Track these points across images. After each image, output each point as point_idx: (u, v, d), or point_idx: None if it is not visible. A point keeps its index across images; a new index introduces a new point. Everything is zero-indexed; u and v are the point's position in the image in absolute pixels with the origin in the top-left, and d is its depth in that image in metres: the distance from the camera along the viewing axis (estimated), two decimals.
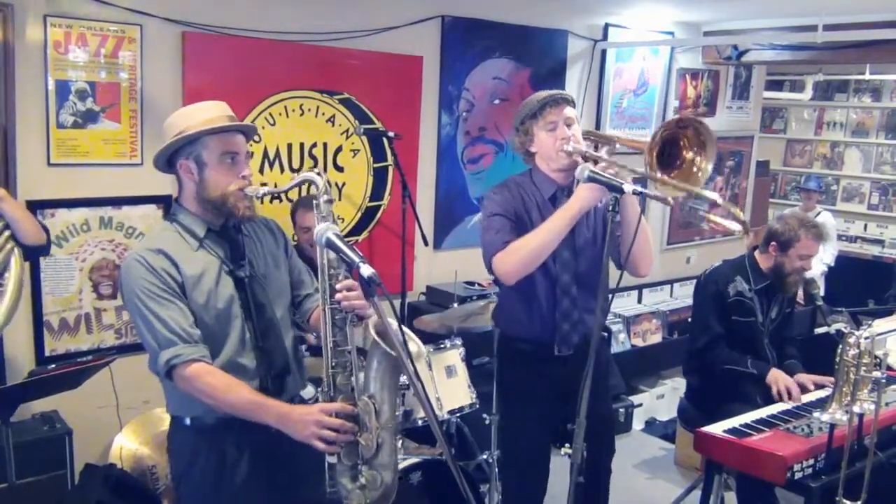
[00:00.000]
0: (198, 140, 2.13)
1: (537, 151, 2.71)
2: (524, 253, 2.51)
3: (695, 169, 2.35)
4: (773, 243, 3.58)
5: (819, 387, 3.44)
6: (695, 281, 3.96)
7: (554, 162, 2.67)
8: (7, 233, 2.57)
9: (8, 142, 3.25)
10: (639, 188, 2.21)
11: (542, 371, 2.74)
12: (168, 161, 2.20)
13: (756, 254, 3.68)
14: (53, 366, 3.28)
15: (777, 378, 3.44)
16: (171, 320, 2.06)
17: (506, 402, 3.08)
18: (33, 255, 2.74)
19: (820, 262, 6.47)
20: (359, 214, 4.39)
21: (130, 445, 3.55)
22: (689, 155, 2.37)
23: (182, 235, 2.17)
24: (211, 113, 2.16)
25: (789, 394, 3.37)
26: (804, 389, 3.46)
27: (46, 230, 2.75)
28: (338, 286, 2.06)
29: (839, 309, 4.42)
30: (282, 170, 4.04)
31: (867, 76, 7.88)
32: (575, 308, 2.72)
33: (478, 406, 3.54)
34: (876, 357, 2.77)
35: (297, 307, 2.39)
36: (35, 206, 3.36)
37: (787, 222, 3.57)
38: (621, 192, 2.22)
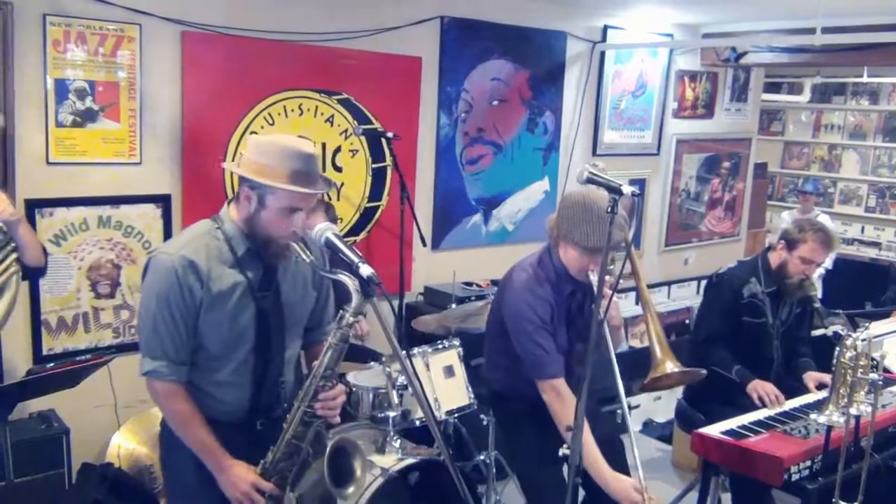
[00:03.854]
0: (270, 185, 2.08)
1: (562, 255, 2.81)
2: (556, 416, 2.71)
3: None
4: (782, 241, 3.61)
5: (825, 386, 3.45)
6: (695, 282, 3.98)
7: (574, 271, 2.81)
8: (14, 255, 2.61)
9: (7, 140, 3.24)
10: (636, 189, 2.23)
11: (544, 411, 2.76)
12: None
13: (769, 254, 3.71)
14: (51, 364, 3.27)
15: (757, 389, 3.46)
16: (167, 337, 2.12)
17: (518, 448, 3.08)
18: (32, 276, 2.78)
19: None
20: (357, 215, 4.39)
21: (128, 445, 3.55)
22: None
23: (222, 245, 2.16)
24: (297, 165, 2.07)
25: (769, 398, 3.40)
26: (806, 390, 3.49)
27: (46, 252, 2.78)
28: (321, 395, 2.13)
29: (836, 311, 4.43)
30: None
31: (865, 79, 7.90)
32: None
33: (476, 407, 3.54)
34: (873, 359, 2.78)
35: (304, 331, 2.41)
36: (34, 205, 3.36)
37: (801, 224, 3.63)
38: (620, 193, 2.23)
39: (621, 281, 2.94)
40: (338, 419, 2.24)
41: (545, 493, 2.86)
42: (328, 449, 2.12)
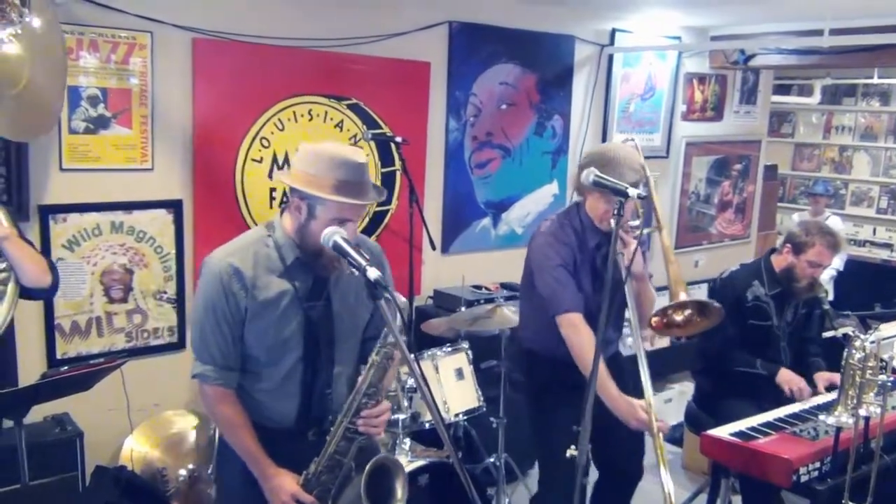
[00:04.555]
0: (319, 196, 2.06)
1: (587, 206, 2.91)
2: (575, 351, 2.77)
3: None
4: (788, 245, 3.61)
5: (834, 387, 3.46)
6: (705, 285, 3.98)
7: (599, 221, 2.89)
8: (4, 275, 2.51)
9: (21, 147, 3.28)
10: (643, 193, 2.24)
11: (576, 381, 2.75)
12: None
13: (773, 256, 3.71)
14: (65, 368, 3.31)
15: (787, 379, 3.52)
16: (213, 342, 2.15)
17: (540, 414, 3.10)
18: (34, 296, 2.67)
19: (829, 267, 6.45)
20: (366, 219, 4.41)
21: (141, 448, 3.58)
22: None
23: (272, 253, 2.17)
24: (346, 174, 2.05)
25: (799, 393, 3.47)
26: (815, 391, 3.51)
27: (55, 269, 2.67)
28: (364, 412, 2.14)
29: (846, 313, 4.43)
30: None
31: (875, 80, 7.87)
32: (608, 328, 2.96)
33: (485, 409, 3.56)
34: (882, 360, 2.78)
35: (363, 343, 2.38)
36: (47, 211, 3.41)
37: (807, 227, 3.61)
38: (626, 195, 2.25)
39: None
40: (382, 435, 2.25)
41: (559, 460, 2.77)
42: (367, 467, 2.12)
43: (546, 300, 2.86)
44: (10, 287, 2.54)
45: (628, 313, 2.84)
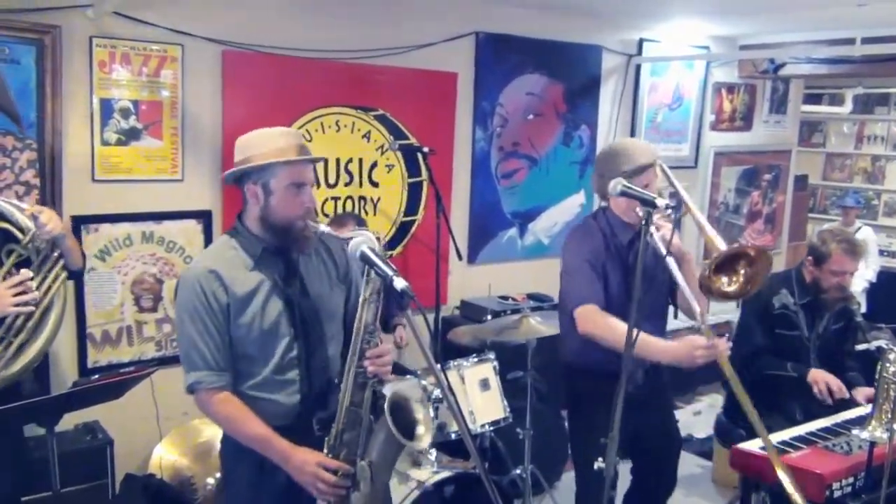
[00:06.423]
0: (268, 168, 2.18)
1: (614, 206, 2.91)
2: (600, 335, 2.71)
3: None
4: (809, 258, 3.58)
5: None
6: None
7: (626, 217, 2.87)
8: (62, 262, 2.71)
9: (55, 158, 3.34)
10: (672, 203, 2.23)
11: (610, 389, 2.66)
12: (236, 179, 2.26)
13: (803, 267, 3.68)
14: (96, 377, 3.35)
15: (817, 377, 3.45)
16: (204, 346, 2.17)
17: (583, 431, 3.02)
18: (75, 278, 2.90)
19: (861, 279, 6.37)
20: (393, 229, 4.43)
21: (170, 456, 3.61)
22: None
23: (239, 253, 2.24)
24: (283, 142, 2.20)
25: (830, 392, 3.39)
26: (855, 403, 3.44)
27: (84, 256, 2.91)
28: (368, 353, 2.14)
29: (879, 325, 4.35)
30: (318, 185, 4.10)
31: None
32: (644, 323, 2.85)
33: (511, 420, 3.54)
34: None
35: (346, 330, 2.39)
36: (80, 222, 3.46)
37: (823, 237, 3.58)
38: (654, 206, 2.23)
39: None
40: (391, 376, 2.25)
41: (594, 477, 2.78)
42: (386, 405, 2.13)
43: (565, 298, 2.86)
44: (61, 290, 2.72)
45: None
